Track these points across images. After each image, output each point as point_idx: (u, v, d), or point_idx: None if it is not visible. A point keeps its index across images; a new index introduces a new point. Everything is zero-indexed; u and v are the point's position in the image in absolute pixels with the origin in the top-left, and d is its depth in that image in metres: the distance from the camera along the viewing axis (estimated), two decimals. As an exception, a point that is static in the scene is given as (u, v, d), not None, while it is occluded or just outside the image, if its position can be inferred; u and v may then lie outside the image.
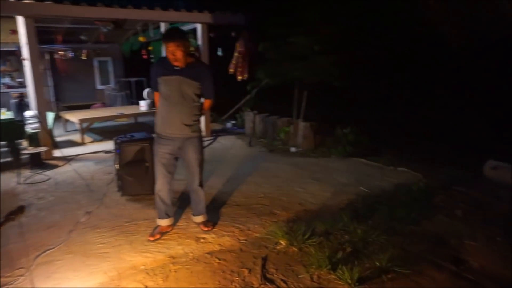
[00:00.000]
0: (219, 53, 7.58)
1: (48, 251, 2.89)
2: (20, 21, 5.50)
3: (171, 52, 2.69)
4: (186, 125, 2.88)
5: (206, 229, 3.15)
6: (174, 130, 2.89)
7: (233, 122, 8.75)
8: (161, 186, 3.02)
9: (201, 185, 3.16)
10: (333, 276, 2.41)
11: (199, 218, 3.21)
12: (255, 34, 7.07)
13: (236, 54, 7.19)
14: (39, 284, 2.45)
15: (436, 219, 3.32)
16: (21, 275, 2.56)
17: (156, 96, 3.03)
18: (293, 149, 6.20)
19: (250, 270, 2.55)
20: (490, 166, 4.41)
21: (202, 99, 3.06)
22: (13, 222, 1.48)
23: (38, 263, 2.72)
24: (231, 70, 7.31)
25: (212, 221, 3.27)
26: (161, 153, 2.96)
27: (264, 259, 2.67)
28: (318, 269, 2.49)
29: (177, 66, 2.77)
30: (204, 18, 6.82)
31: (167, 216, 3.12)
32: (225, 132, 8.05)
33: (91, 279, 2.51)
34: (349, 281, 2.31)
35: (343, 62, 6.68)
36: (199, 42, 7.13)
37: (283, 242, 2.86)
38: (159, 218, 3.12)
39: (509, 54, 5.70)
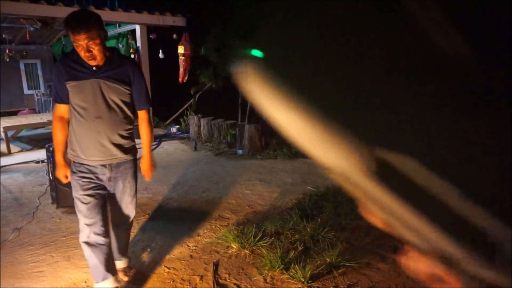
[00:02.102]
0: (161, 55, 7.35)
1: (-31, 276, 2.55)
2: None
3: (84, 47, 1.82)
4: (115, 145, 2.02)
5: (126, 278, 2.38)
6: (98, 155, 2.01)
7: (177, 126, 8.53)
8: (90, 232, 2.03)
9: (130, 226, 2.39)
10: (286, 276, 2.41)
11: (121, 263, 2.39)
12: (196, 36, 6.98)
13: (180, 57, 7.03)
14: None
15: (378, 213, 3.48)
16: None
17: (61, 110, 2.06)
18: (239, 152, 6.18)
19: (201, 277, 2.46)
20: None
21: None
22: None
23: (-44, 291, 2.38)
24: (181, 77, 7.12)
25: (134, 267, 2.52)
26: (83, 188, 2.02)
27: (216, 265, 2.60)
28: (271, 270, 2.48)
29: (93, 66, 1.93)
30: (142, 19, 6.59)
31: (111, 273, 2.08)
32: (168, 137, 7.81)
33: (22, 303, 2.25)
34: (302, 279, 2.33)
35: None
36: (138, 43, 6.85)
37: (234, 246, 2.81)
38: (99, 281, 2.06)
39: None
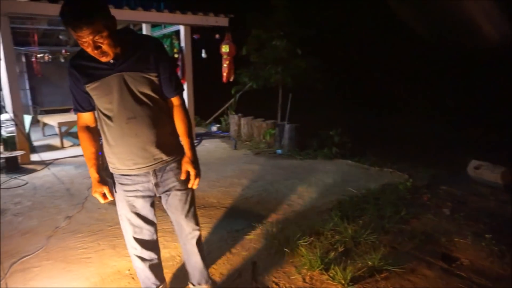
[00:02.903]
0: (203, 55, 7.50)
1: (25, 258, 2.73)
2: (-5, 20, 5.28)
3: (90, 44, 1.49)
4: (157, 145, 1.75)
5: None
6: (139, 162, 1.75)
7: (218, 125, 8.66)
8: (140, 249, 1.92)
9: (198, 239, 2.02)
10: (326, 277, 2.36)
11: None
12: (237, 36, 7.05)
13: (224, 57, 7.12)
14: (15, 293, 2.30)
15: (424, 217, 3.32)
16: (-4, 284, 2.40)
17: (85, 119, 1.81)
18: (279, 152, 6.16)
19: (240, 274, 2.47)
20: (473, 166, 4.47)
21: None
22: None
23: (13, 271, 2.56)
24: (225, 76, 7.21)
25: None
26: (129, 204, 1.84)
27: (255, 262, 2.59)
28: (310, 270, 2.43)
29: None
30: (187, 19, 6.74)
31: (160, 281, 2.05)
32: (209, 135, 7.95)
33: (72, 286, 2.37)
34: (342, 281, 2.27)
35: (324, 65, 6.77)
36: (182, 44, 7.03)
37: (273, 244, 2.79)
38: None
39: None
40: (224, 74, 7.25)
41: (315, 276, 2.40)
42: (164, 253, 2.71)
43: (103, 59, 1.57)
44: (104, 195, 1.85)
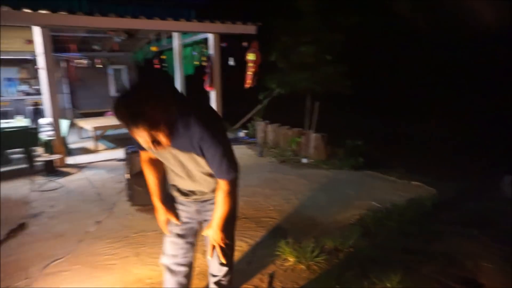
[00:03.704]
0: (231, 62, 7.61)
1: (56, 261, 2.90)
2: (36, 30, 5.63)
3: (146, 139, 1.40)
4: (203, 192, 1.86)
5: None
6: (188, 196, 1.88)
7: (245, 131, 8.75)
8: (172, 261, 1.98)
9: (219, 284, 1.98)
10: (341, 297, 2.35)
11: None
12: (264, 43, 7.09)
13: (250, 64, 7.20)
14: (45, 296, 2.46)
15: (449, 237, 3.22)
16: (28, 286, 2.57)
17: (146, 155, 1.85)
18: (304, 160, 6.14)
19: (256, 286, 2.51)
20: (507, 181, 4.27)
21: None
22: (13, 239, 1.48)
23: (45, 274, 2.73)
24: (248, 82, 7.29)
25: None
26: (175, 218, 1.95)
27: (271, 276, 2.62)
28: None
29: None
30: (215, 28, 6.88)
31: None
32: (236, 141, 8.04)
33: (96, 292, 2.51)
34: (358, 302, 2.25)
35: (352, 71, 6.67)
36: (211, 51, 7.18)
37: (290, 259, 2.81)
38: None
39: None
40: (248, 81, 7.33)
41: (330, 295, 2.39)
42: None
43: (159, 148, 1.47)
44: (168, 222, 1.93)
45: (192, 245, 2.01)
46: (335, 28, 6.48)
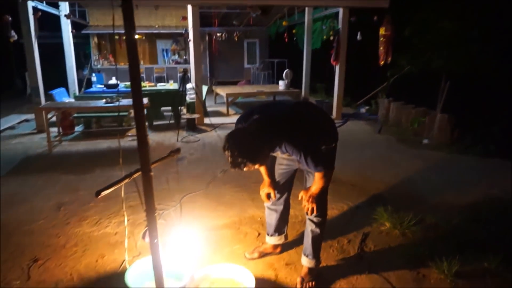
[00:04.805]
0: (359, 37, 7.55)
1: (192, 194, 3.69)
2: (189, 8, 6.63)
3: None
4: None
5: (299, 286, 2.25)
6: None
7: (367, 107, 8.66)
8: (271, 201, 2.45)
9: (315, 224, 2.29)
10: (431, 263, 2.44)
11: (303, 260, 2.37)
12: (397, 18, 6.78)
13: (381, 39, 7.03)
14: (184, 214, 3.23)
15: None
16: (173, 206, 3.39)
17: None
18: (425, 141, 5.89)
19: (349, 241, 2.79)
20: None
21: None
22: (172, 158, 2.12)
23: (184, 201, 3.53)
24: (382, 59, 7.15)
25: (315, 278, 2.28)
26: (280, 167, 2.41)
27: (366, 235, 2.85)
28: (416, 253, 2.55)
29: None
30: (347, 2, 6.90)
31: (277, 232, 2.57)
32: (356, 117, 8.07)
33: (219, 219, 3.16)
34: (446, 272, 2.32)
35: (502, 50, 5.89)
36: (340, 26, 7.25)
37: (387, 224, 2.97)
38: (268, 234, 2.61)
39: None
40: (381, 56, 7.14)
41: (419, 260, 2.50)
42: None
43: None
44: (267, 196, 2.39)
45: (287, 190, 2.45)
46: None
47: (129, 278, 2.02)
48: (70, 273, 2.39)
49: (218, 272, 2.22)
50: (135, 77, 1.24)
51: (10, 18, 5.38)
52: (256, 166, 1.88)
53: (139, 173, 1.48)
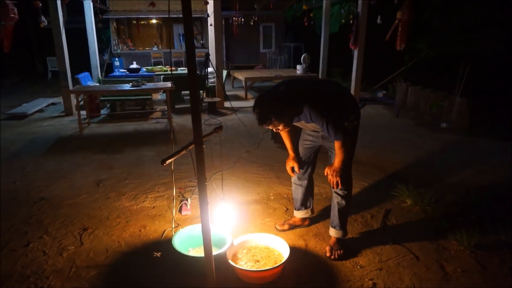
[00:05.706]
0: (379, 21, 7.53)
1: (220, 172, 3.89)
2: (211, -7, 6.73)
3: (271, 128, 2.20)
4: None
5: (328, 254, 2.41)
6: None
7: (384, 91, 8.70)
8: (296, 176, 2.65)
9: (341, 196, 2.41)
10: (451, 236, 2.60)
11: (331, 231, 2.51)
12: (416, 2, 6.74)
13: (396, 22, 7.02)
14: (216, 190, 3.44)
15: None
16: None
17: None
18: (443, 125, 5.96)
19: (372, 216, 2.96)
20: None
21: None
22: (216, 134, 2.33)
23: (213, 178, 3.73)
24: (400, 43, 7.14)
25: (343, 247, 2.43)
26: (304, 143, 2.57)
27: (388, 211, 3.02)
28: (436, 227, 2.71)
29: None
30: (367, -15, 6.88)
31: (304, 206, 2.74)
32: (373, 101, 8.13)
33: (248, 195, 3.37)
34: (466, 243, 2.48)
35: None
36: (359, 9, 7.25)
37: (408, 201, 3.13)
38: (295, 209, 2.79)
39: None
40: (400, 41, 7.14)
41: (440, 233, 2.66)
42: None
43: (279, 131, 2.29)
44: (292, 170, 2.56)
45: (311, 166, 2.62)
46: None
47: (175, 244, 2.24)
48: (118, 241, 2.63)
49: (254, 240, 2.43)
50: (191, 59, 1.43)
51: (40, 4, 5.58)
52: (281, 127, 2.14)
53: (193, 145, 1.68)
